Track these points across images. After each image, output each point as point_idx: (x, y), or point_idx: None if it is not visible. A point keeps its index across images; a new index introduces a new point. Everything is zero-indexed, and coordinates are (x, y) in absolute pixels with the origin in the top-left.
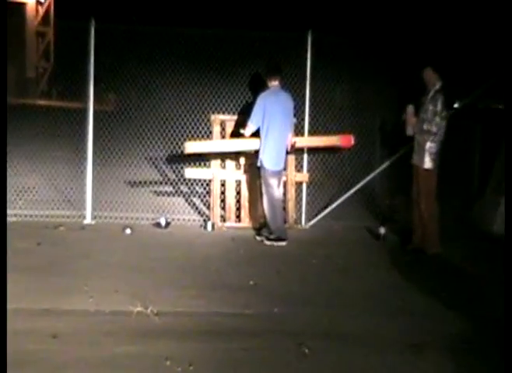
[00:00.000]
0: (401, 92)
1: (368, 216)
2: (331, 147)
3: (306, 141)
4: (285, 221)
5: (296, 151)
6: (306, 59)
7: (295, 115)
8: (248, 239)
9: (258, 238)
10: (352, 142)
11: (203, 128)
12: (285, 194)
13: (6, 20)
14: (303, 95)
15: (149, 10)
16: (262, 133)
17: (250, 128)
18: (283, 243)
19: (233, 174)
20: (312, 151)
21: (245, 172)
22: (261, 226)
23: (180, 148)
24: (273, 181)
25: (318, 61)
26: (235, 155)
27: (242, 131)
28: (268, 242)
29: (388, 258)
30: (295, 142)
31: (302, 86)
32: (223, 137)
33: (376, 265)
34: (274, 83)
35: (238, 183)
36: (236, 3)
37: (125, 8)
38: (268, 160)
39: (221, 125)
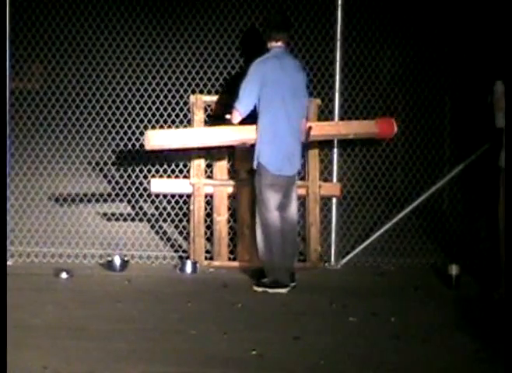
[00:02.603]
0: (483, 61)
1: (432, 249)
2: (367, 137)
3: (326, 129)
4: (303, 258)
5: (322, 147)
6: (335, 9)
7: (312, 94)
8: (249, 286)
9: (258, 288)
10: (395, 129)
11: (178, 115)
12: (303, 216)
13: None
14: (331, 64)
15: None
16: (260, 117)
17: (238, 112)
18: (282, 290)
19: (223, 186)
20: (345, 149)
21: (242, 181)
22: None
23: (140, 145)
24: (270, 194)
25: (353, 13)
26: (226, 155)
27: (228, 117)
28: (258, 289)
29: (468, 314)
30: (310, 128)
31: (328, 51)
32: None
33: (451, 327)
34: (276, 44)
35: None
36: None
37: None
38: (267, 158)
39: (205, 110)
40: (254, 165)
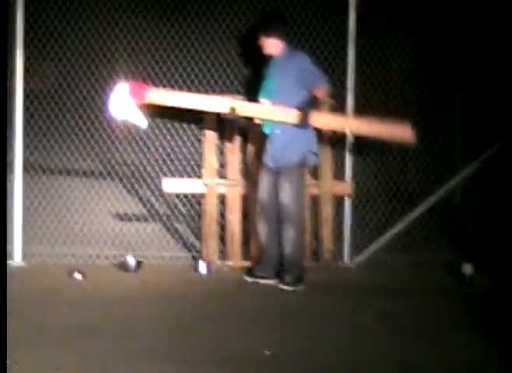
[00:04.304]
0: (495, 58)
1: (446, 246)
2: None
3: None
4: (316, 257)
5: (334, 143)
6: (347, 6)
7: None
8: (263, 286)
9: (263, 281)
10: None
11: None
12: (316, 214)
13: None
14: (343, 58)
15: None
16: None
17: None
18: (302, 286)
19: (236, 186)
20: (358, 147)
21: (255, 181)
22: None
23: (155, 150)
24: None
25: (365, 11)
26: (239, 154)
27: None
28: (286, 287)
29: (482, 312)
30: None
31: (341, 46)
32: (231, 137)
33: (466, 325)
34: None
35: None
36: None
37: None
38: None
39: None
40: (296, 161)
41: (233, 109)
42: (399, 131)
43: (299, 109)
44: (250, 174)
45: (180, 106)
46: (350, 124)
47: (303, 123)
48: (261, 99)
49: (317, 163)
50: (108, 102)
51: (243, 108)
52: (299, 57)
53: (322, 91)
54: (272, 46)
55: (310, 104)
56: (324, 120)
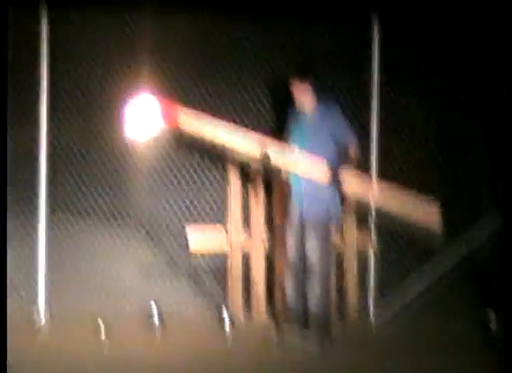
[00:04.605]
0: None
1: (471, 303)
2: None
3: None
4: (341, 313)
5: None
6: (370, 58)
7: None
8: (289, 343)
9: (289, 338)
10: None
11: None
12: (341, 270)
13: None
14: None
15: None
16: None
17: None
18: (328, 344)
19: (262, 242)
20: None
21: (279, 238)
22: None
23: (181, 202)
24: None
25: (391, 60)
26: (264, 212)
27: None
28: (312, 345)
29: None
30: None
31: (364, 103)
32: (256, 191)
33: None
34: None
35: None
36: None
37: None
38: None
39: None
40: (323, 216)
41: (265, 155)
42: (425, 215)
43: (331, 165)
44: (274, 230)
45: (212, 137)
46: (375, 195)
47: (334, 181)
48: (294, 149)
49: (341, 219)
50: (132, 118)
51: (276, 155)
52: (333, 112)
53: (353, 148)
54: (305, 92)
55: (342, 162)
56: (350, 183)
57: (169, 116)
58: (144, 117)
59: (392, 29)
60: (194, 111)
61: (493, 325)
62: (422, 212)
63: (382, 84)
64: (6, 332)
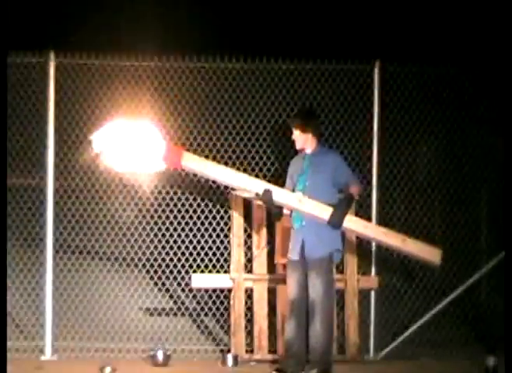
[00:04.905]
0: None
1: (470, 340)
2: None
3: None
4: (342, 350)
5: (359, 240)
6: (371, 103)
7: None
8: None
9: None
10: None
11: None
12: (342, 307)
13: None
14: (368, 158)
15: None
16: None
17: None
18: None
19: (263, 280)
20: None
21: (281, 276)
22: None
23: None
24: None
25: (392, 105)
26: (266, 250)
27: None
28: None
29: None
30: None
31: (365, 148)
32: (258, 230)
33: None
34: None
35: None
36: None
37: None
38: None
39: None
40: (325, 256)
41: (267, 195)
42: (427, 254)
43: (335, 207)
44: (276, 268)
45: (215, 179)
46: (377, 234)
47: (336, 222)
48: (296, 192)
49: (342, 257)
50: (136, 160)
51: (278, 195)
52: (333, 156)
53: (356, 191)
54: (306, 141)
55: (346, 204)
56: (353, 224)
57: (172, 159)
58: (148, 159)
59: (393, 75)
60: (197, 154)
61: (490, 364)
62: (422, 253)
63: (382, 129)
64: (6, 333)
